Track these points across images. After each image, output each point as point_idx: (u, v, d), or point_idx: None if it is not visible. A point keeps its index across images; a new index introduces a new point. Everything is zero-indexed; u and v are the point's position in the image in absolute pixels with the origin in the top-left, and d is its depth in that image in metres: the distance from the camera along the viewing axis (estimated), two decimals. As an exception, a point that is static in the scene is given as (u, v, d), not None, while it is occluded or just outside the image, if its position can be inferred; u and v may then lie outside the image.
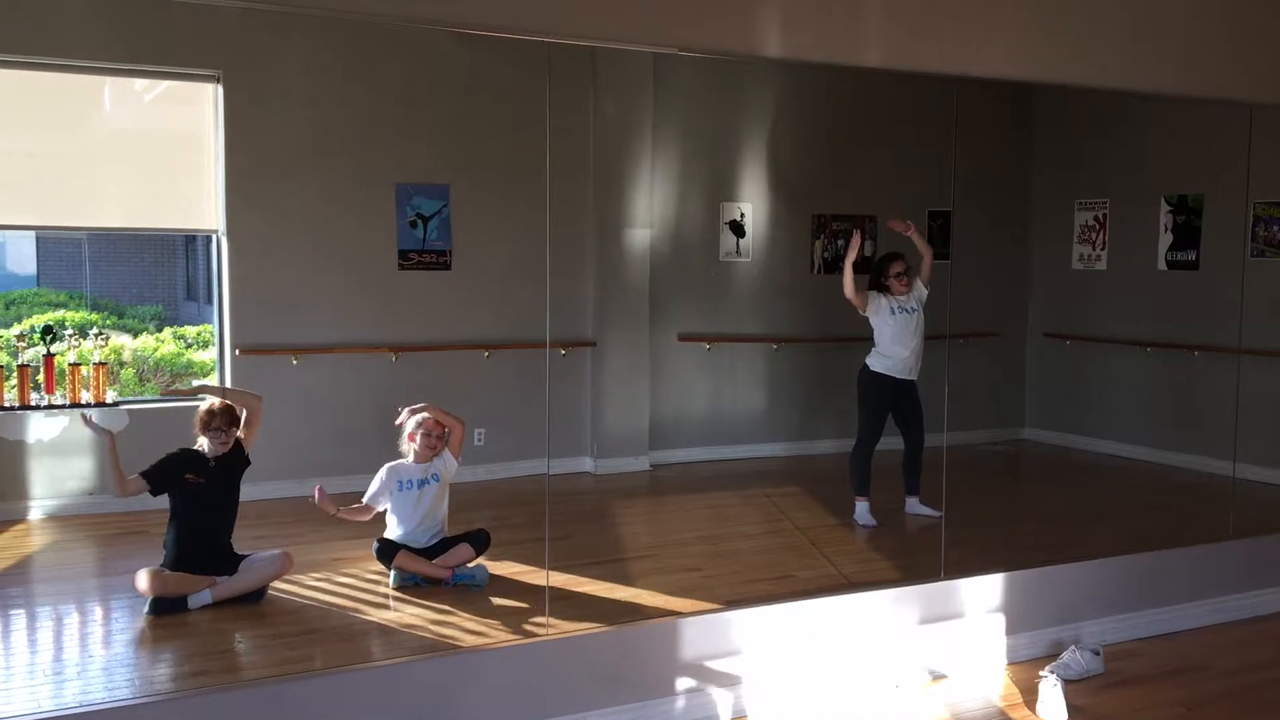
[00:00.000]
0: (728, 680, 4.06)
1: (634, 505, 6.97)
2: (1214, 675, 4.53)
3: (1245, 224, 6.83)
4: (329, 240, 6.72)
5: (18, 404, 6.02)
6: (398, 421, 5.16)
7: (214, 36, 6.32)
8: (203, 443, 4.81)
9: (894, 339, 6.04)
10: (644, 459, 7.53)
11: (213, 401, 4.88)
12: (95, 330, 6.48)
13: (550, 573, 4.60)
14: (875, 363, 6.13)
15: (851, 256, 6.05)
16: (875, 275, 6.19)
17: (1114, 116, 7.74)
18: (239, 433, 4.87)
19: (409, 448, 5.14)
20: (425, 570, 4.94)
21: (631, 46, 4.20)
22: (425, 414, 5.13)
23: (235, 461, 4.85)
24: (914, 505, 6.15)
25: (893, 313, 6.05)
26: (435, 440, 5.11)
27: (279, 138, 6.51)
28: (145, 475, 4.69)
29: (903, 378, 6.09)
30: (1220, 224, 7.36)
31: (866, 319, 6.15)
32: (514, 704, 3.72)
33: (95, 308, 8.71)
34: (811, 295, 8.06)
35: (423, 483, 5.11)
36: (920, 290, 6.12)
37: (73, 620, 4.73)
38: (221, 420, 4.79)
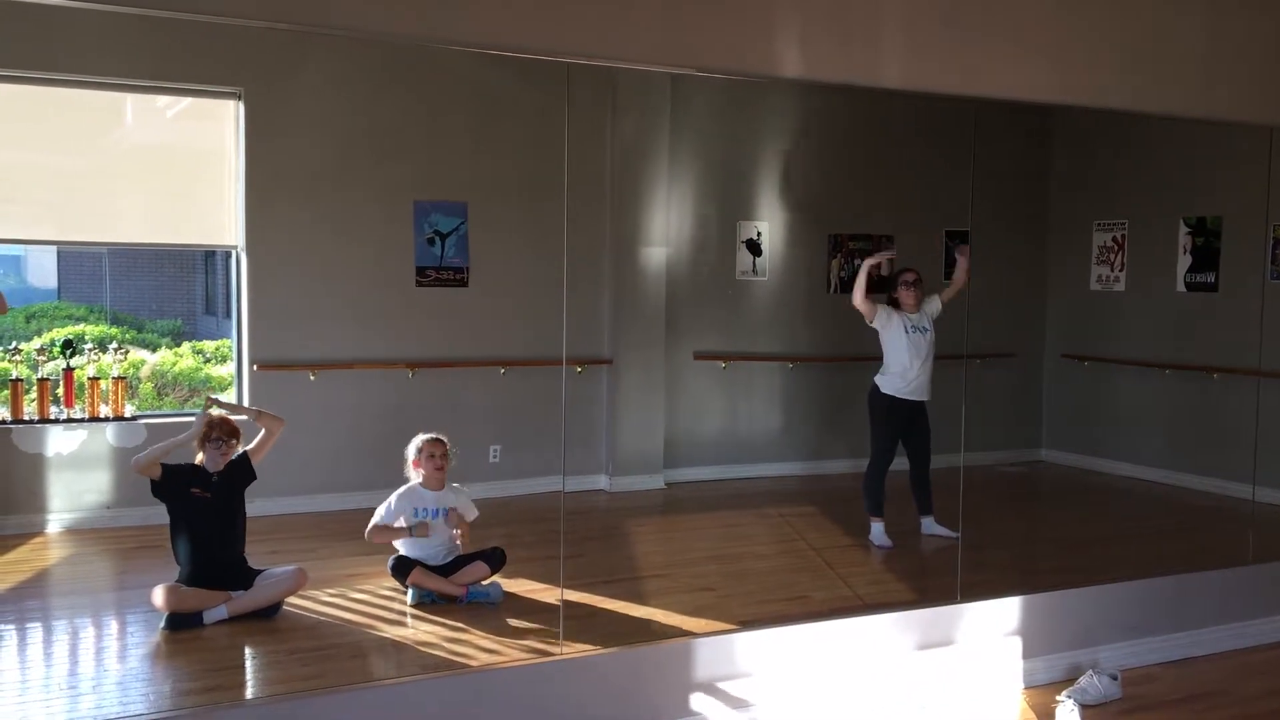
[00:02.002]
0: (741, 702, 4.04)
1: (648, 523, 6.96)
2: (1233, 701, 4.49)
3: (1265, 246, 6.80)
4: (347, 256, 6.75)
5: (37, 417, 6.06)
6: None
7: (235, 54, 6.37)
8: (201, 456, 4.82)
9: (906, 359, 6.02)
10: (659, 477, 7.52)
11: (212, 415, 4.89)
12: (115, 344, 6.52)
13: (564, 591, 4.59)
14: (885, 384, 6.10)
15: (872, 261, 6.00)
16: (889, 287, 6.18)
17: (1133, 137, 7.73)
18: (245, 449, 4.87)
19: (415, 473, 5.15)
20: (440, 587, 4.94)
21: (651, 67, 4.23)
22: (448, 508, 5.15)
23: (238, 476, 4.85)
24: (929, 525, 6.12)
25: (906, 331, 6.02)
26: (440, 461, 5.10)
27: (299, 154, 6.55)
28: (164, 466, 4.73)
29: (914, 399, 6.07)
30: (1240, 246, 7.32)
31: (878, 337, 6.13)
32: (527, 723, 3.71)
33: (115, 322, 8.77)
34: (828, 314, 8.05)
35: (443, 512, 5.10)
36: (934, 305, 6.10)
37: (88, 634, 4.75)
38: (221, 431, 4.80)
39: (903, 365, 6.04)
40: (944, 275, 7.79)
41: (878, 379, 6.14)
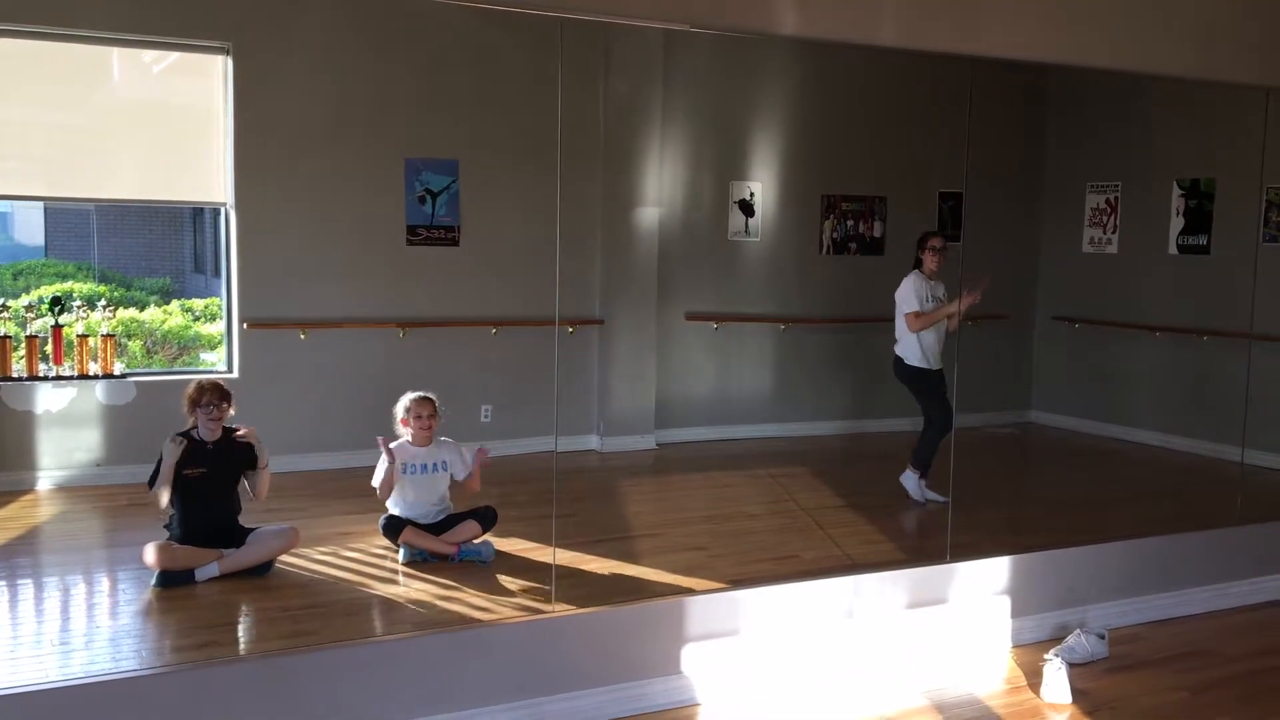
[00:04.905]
0: (731, 660, 4.07)
1: (639, 484, 6.98)
2: (1219, 661, 4.53)
3: (1258, 209, 6.79)
4: (337, 214, 6.70)
5: (26, 375, 6.03)
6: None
7: (224, 8, 6.28)
8: (193, 423, 4.78)
9: (924, 326, 5.98)
10: (650, 438, 7.53)
11: (202, 379, 4.86)
12: (103, 302, 6.48)
13: (556, 550, 4.61)
14: (910, 355, 6.07)
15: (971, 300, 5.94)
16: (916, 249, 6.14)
17: (1128, 99, 7.69)
18: (233, 411, 4.83)
19: (405, 432, 5.14)
20: (432, 546, 4.95)
21: (646, 23, 4.17)
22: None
23: (238, 455, 4.82)
24: (914, 480, 6.11)
25: (925, 301, 5.99)
26: (428, 420, 5.10)
27: (288, 111, 6.48)
28: (158, 485, 4.70)
29: (935, 368, 6.05)
30: (1232, 208, 7.32)
31: (886, 299, 6.09)
32: (519, 680, 3.73)
33: (103, 279, 8.72)
34: (820, 276, 8.04)
35: (433, 468, 5.10)
36: (942, 289, 6.06)
37: (80, 591, 4.75)
38: (212, 395, 4.75)
39: (922, 334, 6.00)
40: (937, 237, 7.79)
41: (899, 349, 6.10)
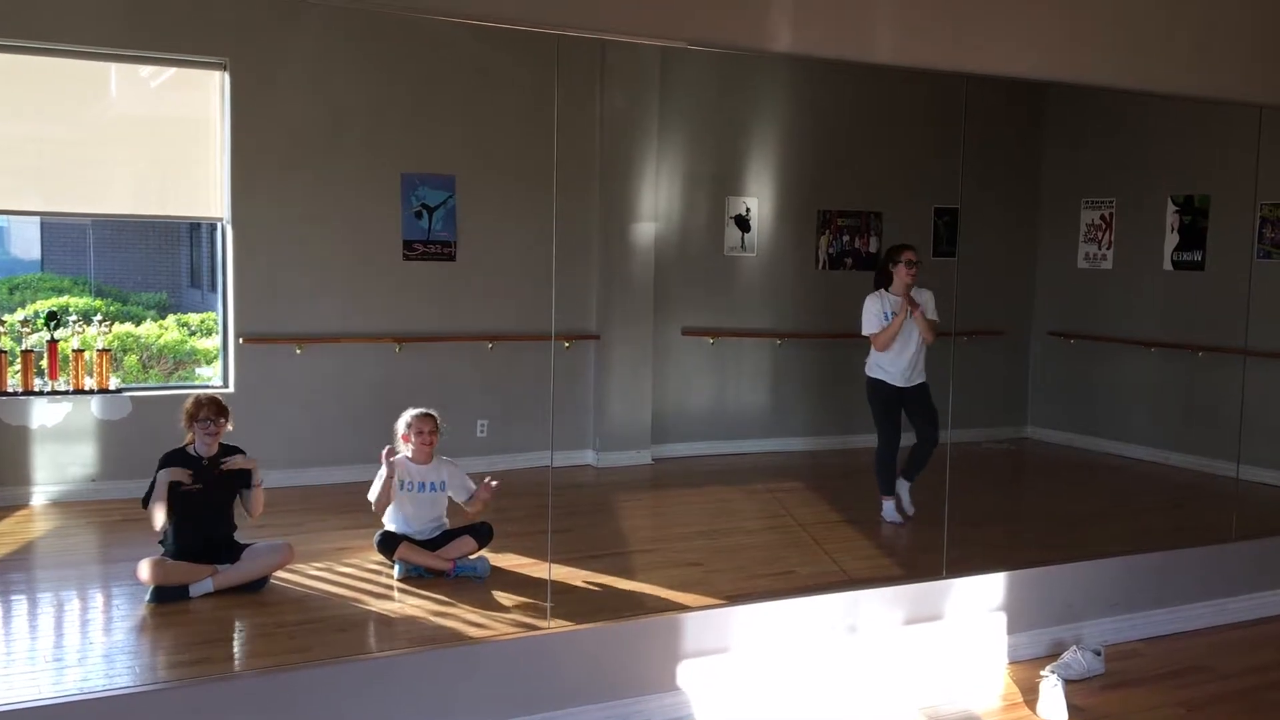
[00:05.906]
0: (727, 676, 4.06)
1: (636, 499, 6.97)
2: (1215, 677, 4.53)
3: (1252, 225, 6.81)
4: (334, 229, 6.70)
5: (21, 389, 6.02)
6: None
7: (221, 24, 6.30)
8: (190, 438, 4.77)
9: (888, 343, 5.92)
10: (646, 453, 7.52)
11: (200, 394, 4.85)
12: (99, 317, 6.47)
13: (552, 566, 4.60)
14: (872, 369, 6.04)
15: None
16: (882, 265, 6.10)
17: (1123, 115, 7.72)
18: (230, 426, 4.82)
19: (405, 448, 5.13)
20: (427, 562, 4.94)
21: (641, 40, 4.19)
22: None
23: (233, 474, 4.81)
24: (901, 485, 6.06)
25: (888, 317, 5.94)
26: (430, 437, 5.09)
27: (285, 126, 6.50)
28: (152, 503, 4.66)
29: (903, 385, 5.97)
30: (1227, 225, 7.34)
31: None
32: (514, 697, 3.72)
33: (99, 294, 8.71)
34: (816, 291, 8.04)
35: (430, 487, 5.10)
36: (925, 295, 5.98)
37: (74, 607, 4.74)
38: (210, 410, 4.75)
39: (885, 349, 5.95)
40: (933, 252, 7.81)
41: (867, 364, 6.07)
